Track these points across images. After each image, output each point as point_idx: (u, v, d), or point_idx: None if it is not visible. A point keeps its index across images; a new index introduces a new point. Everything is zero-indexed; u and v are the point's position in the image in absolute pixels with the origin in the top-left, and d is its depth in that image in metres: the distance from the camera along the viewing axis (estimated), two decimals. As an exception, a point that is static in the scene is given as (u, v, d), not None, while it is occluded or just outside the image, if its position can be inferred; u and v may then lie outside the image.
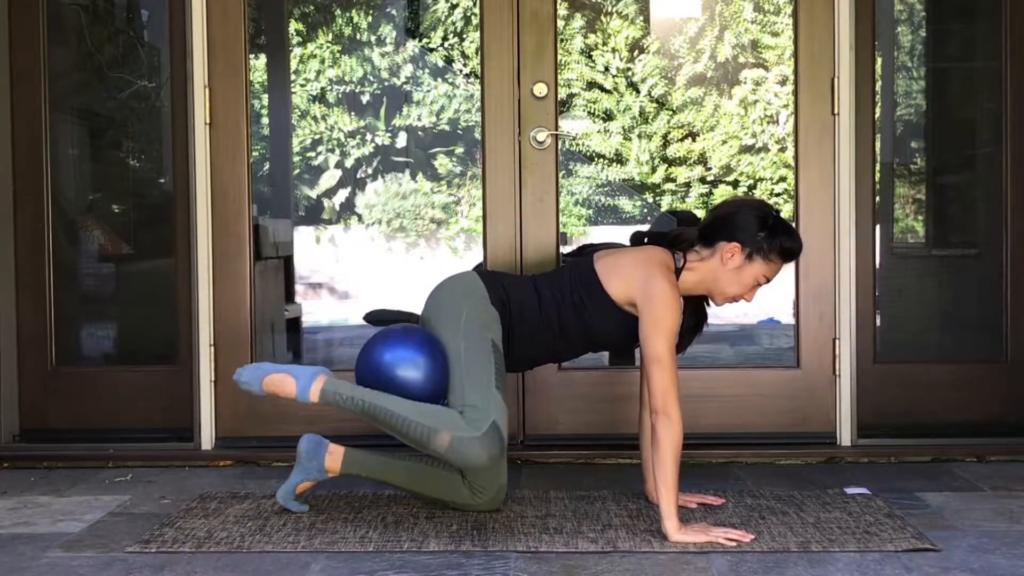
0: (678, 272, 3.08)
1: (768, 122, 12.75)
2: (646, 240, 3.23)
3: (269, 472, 3.73)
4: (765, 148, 12.74)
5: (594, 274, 3.10)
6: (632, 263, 3.08)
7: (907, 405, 4.04)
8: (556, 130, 3.92)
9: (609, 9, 13.12)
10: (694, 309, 3.20)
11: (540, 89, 3.90)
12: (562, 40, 11.99)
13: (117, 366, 4.50)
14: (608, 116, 13.04)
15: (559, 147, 3.96)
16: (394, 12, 13.78)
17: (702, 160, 12.91)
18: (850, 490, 3.38)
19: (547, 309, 3.11)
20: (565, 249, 3.63)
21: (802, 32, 3.91)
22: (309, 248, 12.98)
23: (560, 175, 4.01)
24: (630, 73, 13.06)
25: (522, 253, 3.90)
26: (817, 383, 3.91)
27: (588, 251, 3.21)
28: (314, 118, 13.62)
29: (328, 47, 13.47)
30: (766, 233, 3.02)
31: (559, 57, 3.98)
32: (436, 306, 3.15)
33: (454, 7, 13.31)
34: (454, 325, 3.06)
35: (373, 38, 13.65)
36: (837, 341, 3.89)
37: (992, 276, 4.19)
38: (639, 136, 13.04)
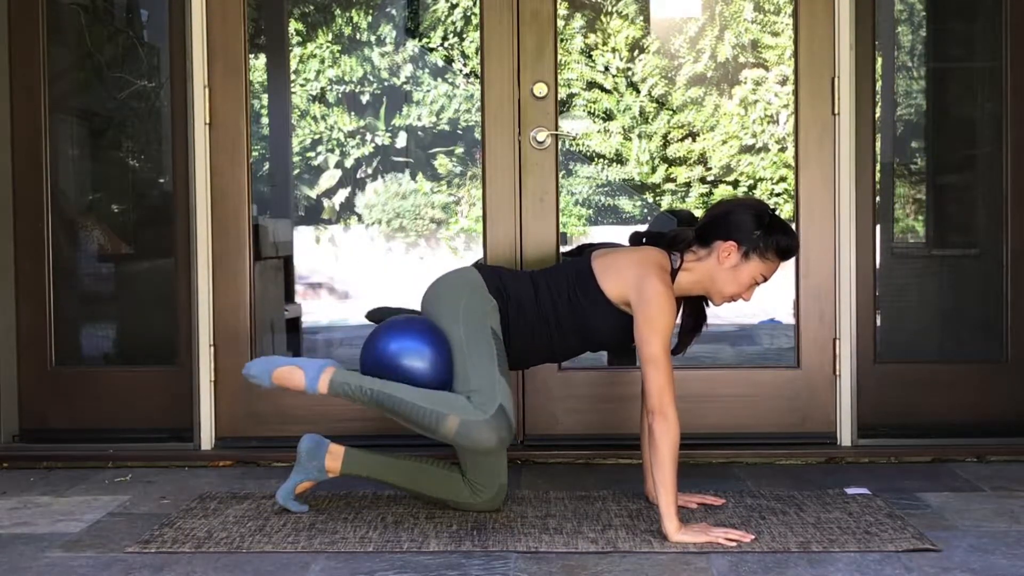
0: (675, 273, 3.07)
1: (768, 122, 12.75)
2: (644, 240, 3.23)
3: (269, 472, 3.73)
4: (765, 148, 12.73)
5: (591, 272, 3.10)
6: (628, 263, 3.08)
7: (907, 405, 4.04)
8: (556, 130, 3.92)
9: (609, 9, 13.11)
10: (693, 310, 3.20)
11: (540, 89, 3.89)
12: (562, 40, 11.99)
13: (117, 366, 4.50)
14: (608, 116, 13.04)
15: (559, 147, 3.96)
16: (394, 12, 13.78)
17: (702, 160, 12.90)
18: (850, 490, 3.38)
19: (544, 303, 3.11)
20: (564, 249, 3.63)
21: (802, 32, 3.91)
22: (309, 248, 12.98)
23: (560, 175, 4.01)
24: (630, 73, 13.05)
25: (522, 253, 3.90)
26: (817, 383, 3.91)
27: (587, 251, 3.21)
28: (314, 118, 13.62)
29: (328, 47, 13.47)
30: (762, 231, 3.02)
31: (559, 57, 3.98)
32: (435, 297, 3.16)
33: (454, 7, 13.31)
34: (453, 314, 3.08)
35: (373, 38, 13.65)
36: (837, 341, 3.89)
37: (992, 276, 4.19)
38: (639, 136, 13.03)
